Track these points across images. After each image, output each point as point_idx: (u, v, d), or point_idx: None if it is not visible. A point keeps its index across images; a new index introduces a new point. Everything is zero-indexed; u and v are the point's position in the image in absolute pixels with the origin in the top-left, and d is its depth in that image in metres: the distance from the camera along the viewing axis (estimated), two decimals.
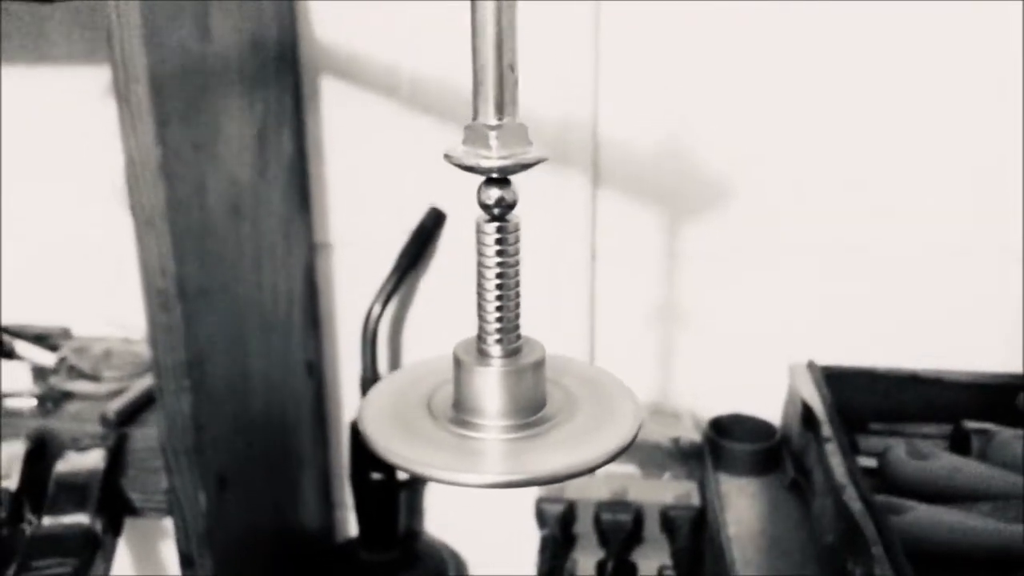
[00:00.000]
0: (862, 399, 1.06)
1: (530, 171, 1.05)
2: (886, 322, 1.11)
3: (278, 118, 1.06)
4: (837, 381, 1.04)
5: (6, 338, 1.20)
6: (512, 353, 0.44)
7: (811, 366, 1.05)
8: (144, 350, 1.16)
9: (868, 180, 1.08)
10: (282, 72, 1.07)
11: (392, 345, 1.23)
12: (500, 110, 0.41)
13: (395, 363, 1.24)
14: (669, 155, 1.09)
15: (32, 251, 1.27)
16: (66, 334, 1.27)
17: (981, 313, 1.09)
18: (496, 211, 0.43)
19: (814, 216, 1.10)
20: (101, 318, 1.26)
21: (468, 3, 0.40)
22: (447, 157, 0.42)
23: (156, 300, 0.84)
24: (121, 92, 0.79)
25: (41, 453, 0.95)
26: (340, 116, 1.14)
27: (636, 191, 1.11)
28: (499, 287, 0.44)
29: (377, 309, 1.14)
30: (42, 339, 1.23)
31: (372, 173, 1.16)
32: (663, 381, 1.17)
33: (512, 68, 0.41)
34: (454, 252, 1.17)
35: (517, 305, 0.45)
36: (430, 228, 1.15)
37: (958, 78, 1.03)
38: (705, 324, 1.15)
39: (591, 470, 0.43)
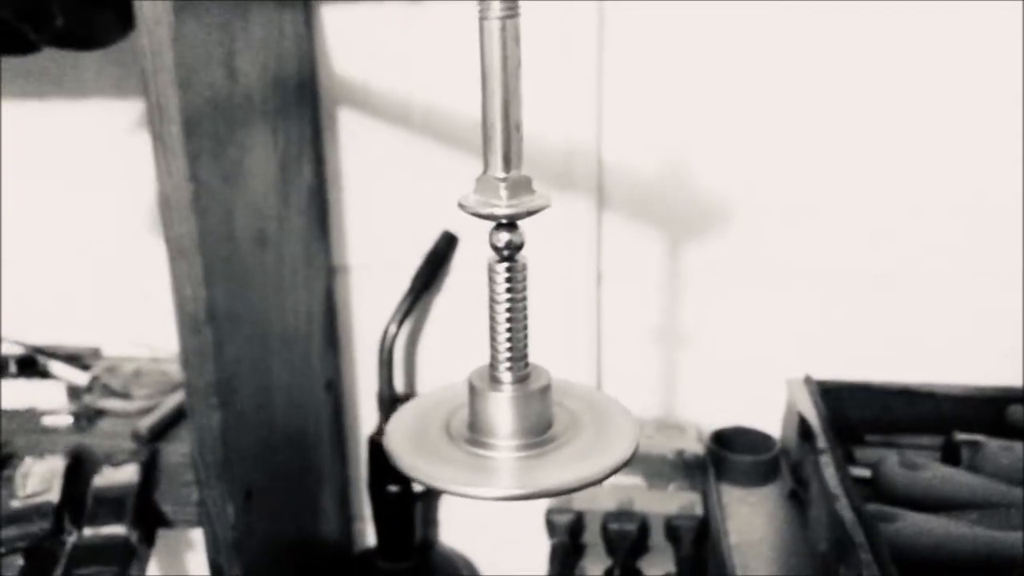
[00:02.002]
0: (858, 412, 1.10)
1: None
2: (881, 338, 1.16)
3: (299, 149, 1.12)
4: (834, 395, 1.08)
5: (41, 359, 1.25)
6: (521, 379, 0.49)
7: (808, 381, 1.10)
8: (171, 369, 1.23)
9: (863, 204, 1.12)
10: (302, 105, 1.13)
11: (407, 363, 1.28)
12: (508, 164, 0.47)
13: (411, 381, 1.29)
14: (671, 180, 1.14)
15: (61, 274, 1.33)
16: (96, 354, 1.33)
17: (971, 329, 1.13)
18: (506, 252, 0.48)
19: (811, 238, 1.14)
20: (129, 338, 1.32)
21: (477, 40, 0.45)
22: (461, 206, 0.48)
23: (188, 324, 0.90)
24: (156, 131, 0.85)
25: (78, 468, 1.00)
26: (357, 145, 1.20)
27: (640, 214, 1.16)
28: (509, 320, 0.49)
29: (393, 329, 1.20)
30: (74, 359, 1.29)
31: (387, 199, 1.22)
32: (667, 396, 1.22)
33: (518, 127, 0.46)
34: (466, 274, 1.22)
35: (525, 336, 0.50)
36: (443, 251, 1.20)
37: (950, 98, 1.07)
38: (707, 341, 1.19)
39: (594, 484, 0.48)
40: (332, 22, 1.15)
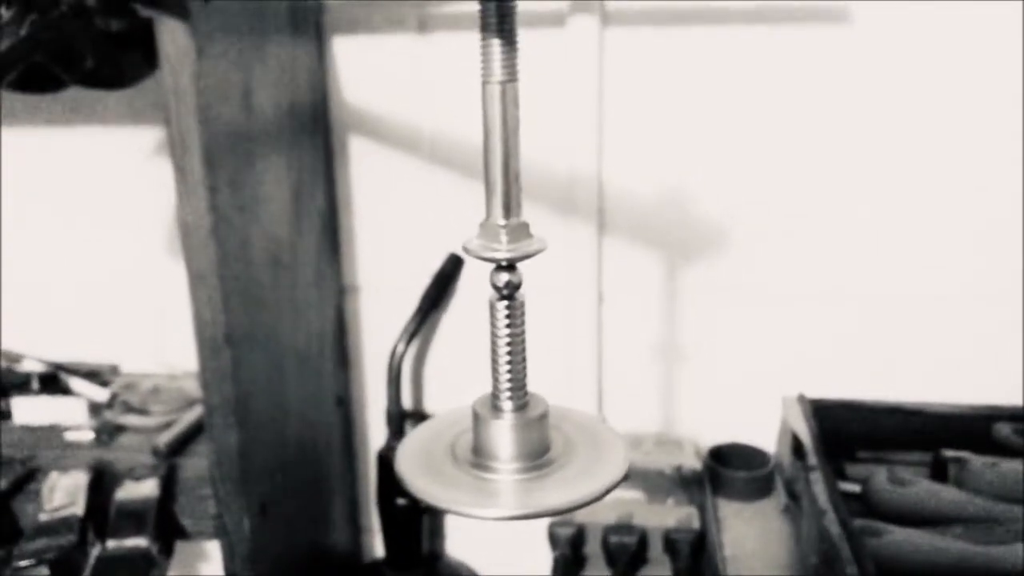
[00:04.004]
0: (850, 429, 1.14)
1: (542, 221, 1.16)
2: (872, 358, 1.20)
3: (311, 175, 1.17)
4: (827, 412, 1.12)
5: (62, 376, 1.30)
6: (521, 407, 0.54)
7: (801, 399, 1.14)
8: (187, 385, 1.27)
9: (855, 230, 1.16)
10: (315, 133, 1.18)
11: (415, 380, 1.33)
12: (508, 212, 0.51)
13: (418, 397, 1.33)
14: (670, 205, 1.19)
15: (81, 293, 1.38)
16: (115, 371, 1.38)
17: (959, 349, 1.17)
18: (505, 291, 0.52)
19: (805, 260, 1.18)
20: (146, 356, 1.36)
21: (480, 70, 0.50)
22: (466, 250, 0.52)
23: (207, 347, 0.94)
24: (178, 164, 0.89)
25: (100, 482, 1.05)
26: (367, 171, 1.25)
27: (639, 238, 1.20)
28: (509, 353, 0.53)
29: (401, 347, 1.24)
30: (93, 375, 1.33)
31: (396, 222, 1.26)
32: (666, 413, 1.26)
33: (517, 178, 0.51)
34: (472, 295, 1.27)
35: (524, 367, 0.54)
36: (450, 272, 1.25)
37: (943, 120, 1.11)
38: (705, 360, 1.23)
39: (586, 504, 0.52)
40: (343, 54, 1.20)
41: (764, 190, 1.17)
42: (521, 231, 0.51)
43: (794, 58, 1.11)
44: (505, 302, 0.53)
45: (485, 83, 0.49)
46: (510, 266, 0.52)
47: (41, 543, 0.92)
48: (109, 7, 0.82)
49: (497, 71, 0.48)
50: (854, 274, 1.18)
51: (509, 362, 0.53)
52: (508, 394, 0.53)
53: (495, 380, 0.54)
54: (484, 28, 0.48)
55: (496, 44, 0.48)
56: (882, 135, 1.13)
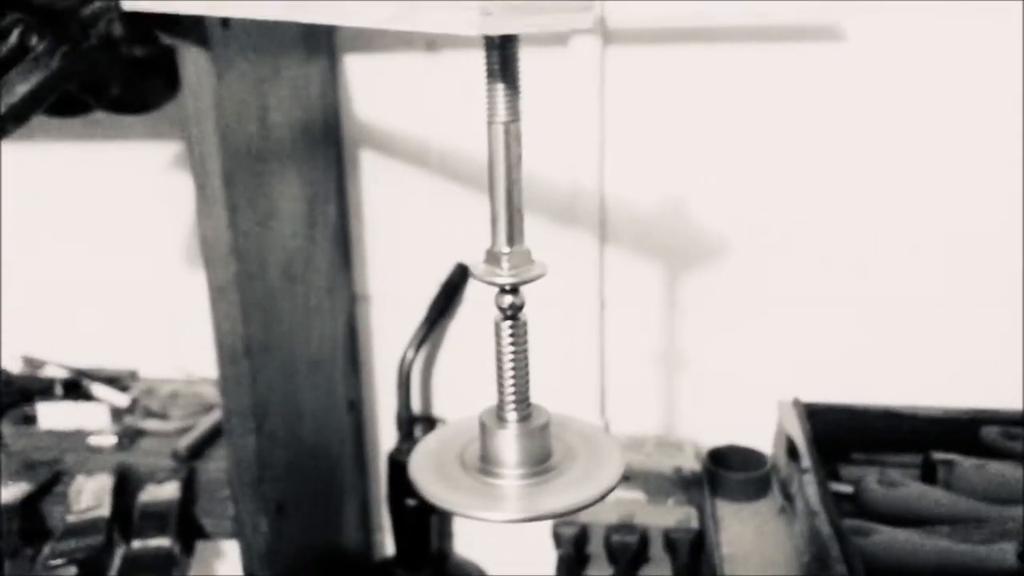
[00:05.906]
0: (843, 432, 1.17)
1: (546, 232, 1.20)
2: (866, 362, 1.23)
3: (324, 189, 1.21)
4: (821, 416, 1.16)
5: (84, 381, 1.35)
6: (525, 418, 0.58)
7: (796, 403, 1.17)
8: (204, 391, 1.32)
9: (849, 239, 1.20)
10: (327, 149, 1.22)
11: (424, 385, 1.37)
12: (511, 240, 0.55)
13: (427, 401, 1.38)
14: (669, 216, 1.23)
15: (99, 301, 1.42)
16: (133, 376, 1.42)
17: (950, 353, 1.21)
18: (509, 312, 0.57)
19: (801, 268, 1.22)
20: (162, 361, 1.41)
21: (486, 111, 0.54)
22: (472, 275, 0.56)
23: (227, 356, 0.99)
24: (199, 183, 0.94)
25: (124, 485, 1.10)
26: (378, 184, 1.29)
27: (640, 247, 1.24)
28: (513, 369, 0.58)
29: (411, 354, 1.29)
30: (113, 381, 1.38)
31: (406, 233, 1.31)
32: (667, 416, 1.30)
33: (519, 210, 0.55)
34: (478, 303, 1.31)
35: (527, 381, 0.59)
36: (457, 282, 1.29)
37: (934, 132, 1.14)
38: (704, 365, 1.27)
39: (585, 508, 0.57)
40: (354, 71, 1.24)
41: (761, 201, 1.20)
42: (523, 258, 0.56)
43: (789, 73, 1.15)
44: (509, 322, 0.57)
45: (490, 123, 0.53)
46: (513, 289, 0.56)
47: (71, 543, 0.97)
48: (134, 36, 0.86)
49: (501, 112, 0.53)
50: (848, 283, 1.22)
51: (513, 377, 0.58)
52: (512, 406, 0.58)
53: (500, 394, 0.58)
54: (489, 74, 0.52)
55: (500, 88, 0.52)
56: (876, 145, 1.16)
